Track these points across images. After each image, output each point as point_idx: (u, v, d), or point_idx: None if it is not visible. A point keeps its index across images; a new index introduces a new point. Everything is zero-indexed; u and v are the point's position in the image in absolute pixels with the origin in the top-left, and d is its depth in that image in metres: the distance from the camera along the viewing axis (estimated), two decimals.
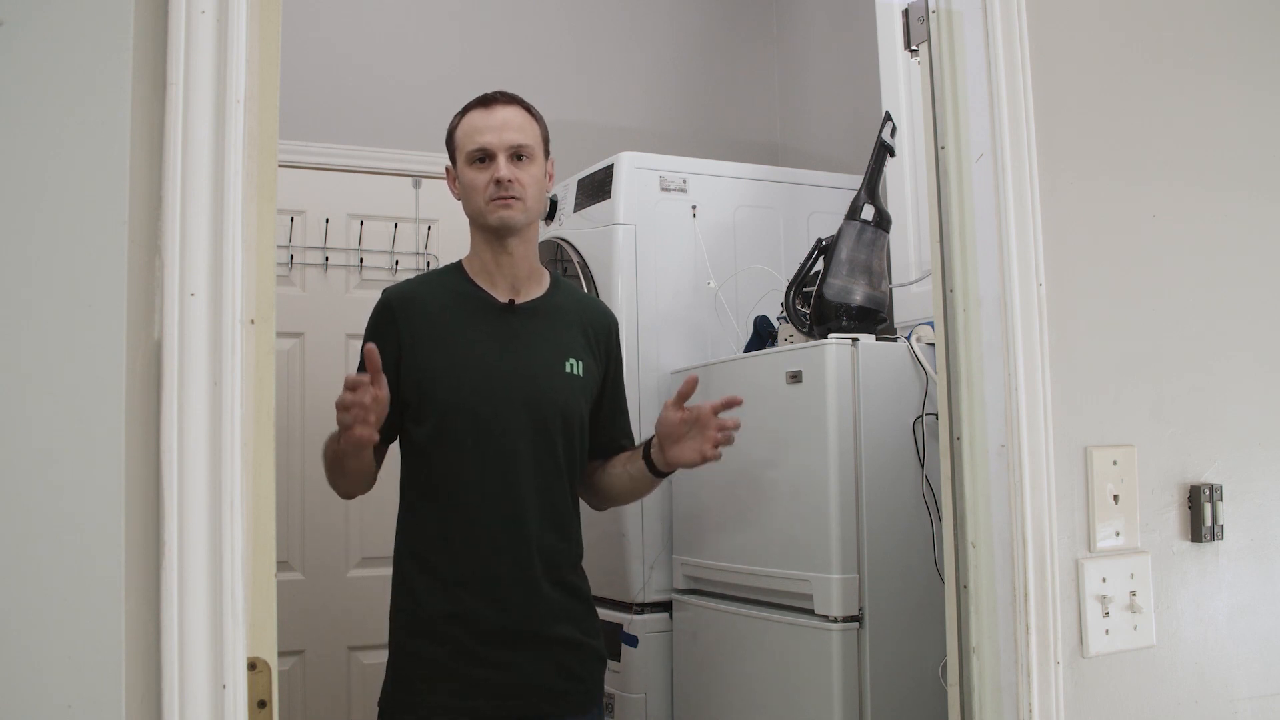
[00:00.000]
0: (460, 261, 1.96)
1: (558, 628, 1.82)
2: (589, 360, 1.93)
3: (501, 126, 1.84)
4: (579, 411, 1.90)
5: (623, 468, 1.96)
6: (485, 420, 1.80)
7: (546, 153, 1.91)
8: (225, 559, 0.93)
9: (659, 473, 1.91)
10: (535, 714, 1.80)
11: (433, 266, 3.12)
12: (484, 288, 1.89)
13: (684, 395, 1.86)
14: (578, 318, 1.96)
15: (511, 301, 1.88)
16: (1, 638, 0.85)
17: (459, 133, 1.88)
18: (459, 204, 1.91)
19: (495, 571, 1.78)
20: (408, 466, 1.88)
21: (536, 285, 1.93)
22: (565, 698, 1.83)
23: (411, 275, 3.06)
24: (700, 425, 1.84)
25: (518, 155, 1.84)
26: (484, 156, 1.83)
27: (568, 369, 1.89)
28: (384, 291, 1.93)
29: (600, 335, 1.98)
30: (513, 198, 1.82)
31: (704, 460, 1.83)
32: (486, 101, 1.88)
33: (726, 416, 1.84)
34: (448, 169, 1.95)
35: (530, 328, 1.88)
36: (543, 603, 1.80)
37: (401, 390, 1.81)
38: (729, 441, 1.84)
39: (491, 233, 1.85)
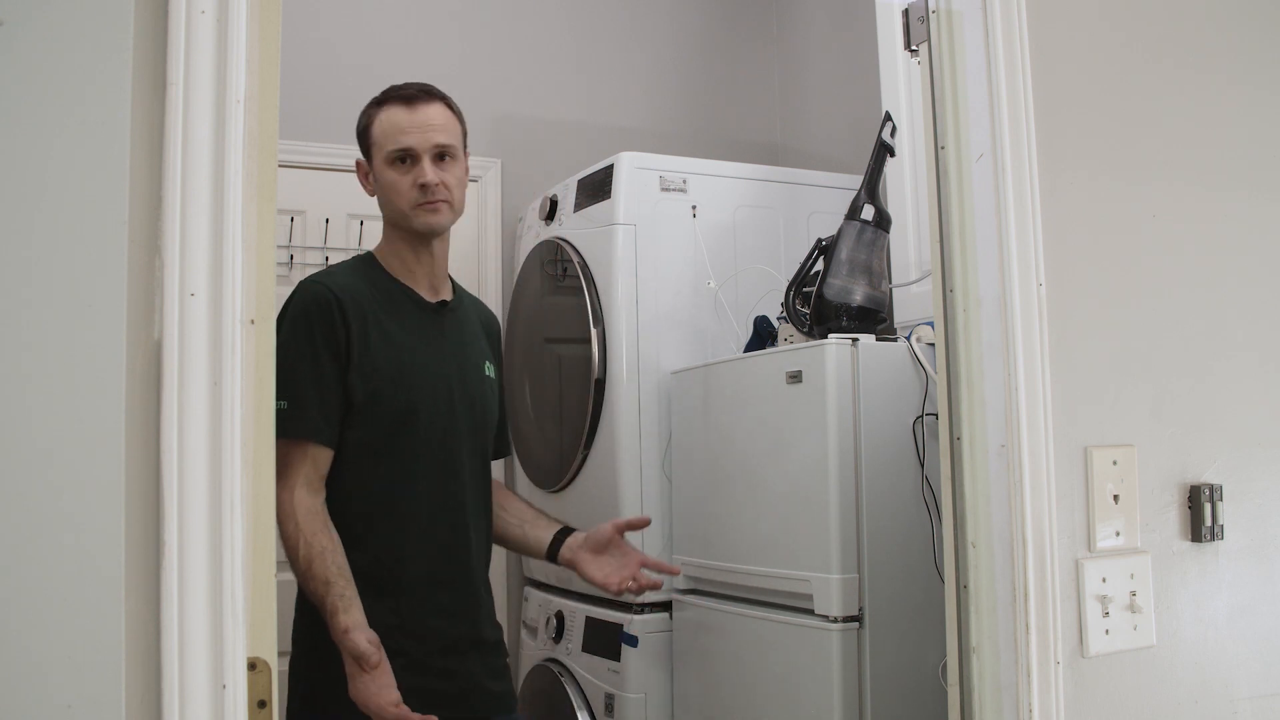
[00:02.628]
0: (372, 254, 1.85)
1: (489, 630, 1.81)
2: (494, 363, 1.93)
3: (425, 126, 1.75)
4: (495, 414, 1.90)
5: (519, 526, 1.94)
6: (433, 426, 1.75)
7: (465, 148, 1.83)
8: (225, 559, 0.92)
9: (553, 559, 1.91)
10: (477, 717, 1.78)
11: None
12: (409, 285, 1.81)
13: (631, 527, 1.88)
14: (478, 319, 1.93)
15: (443, 302, 1.83)
16: (1, 638, 0.85)
17: (376, 129, 1.78)
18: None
19: (442, 579, 1.74)
20: (346, 473, 1.71)
21: (447, 285, 1.88)
22: (499, 699, 1.81)
23: None
24: (624, 558, 1.86)
25: (440, 155, 1.76)
26: (406, 157, 1.75)
27: (486, 371, 1.88)
28: (316, 282, 1.76)
29: (494, 338, 1.97)
30: (440, 201, 1.75)
31: (607, 586, 1.84)
32: (408, 98, 1.77)
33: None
34: (359, 163, 1.84)
35: (455, 329, 1.85)
36: (479, 607, 1.79)
37: (349, 392, 1.70)
38: (636, 591, 1.87)
39: (415, 235, 1.79)
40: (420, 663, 1.69)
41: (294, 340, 1.69)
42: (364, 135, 1.82)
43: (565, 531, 1.91)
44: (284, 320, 1.71)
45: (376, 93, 1.84)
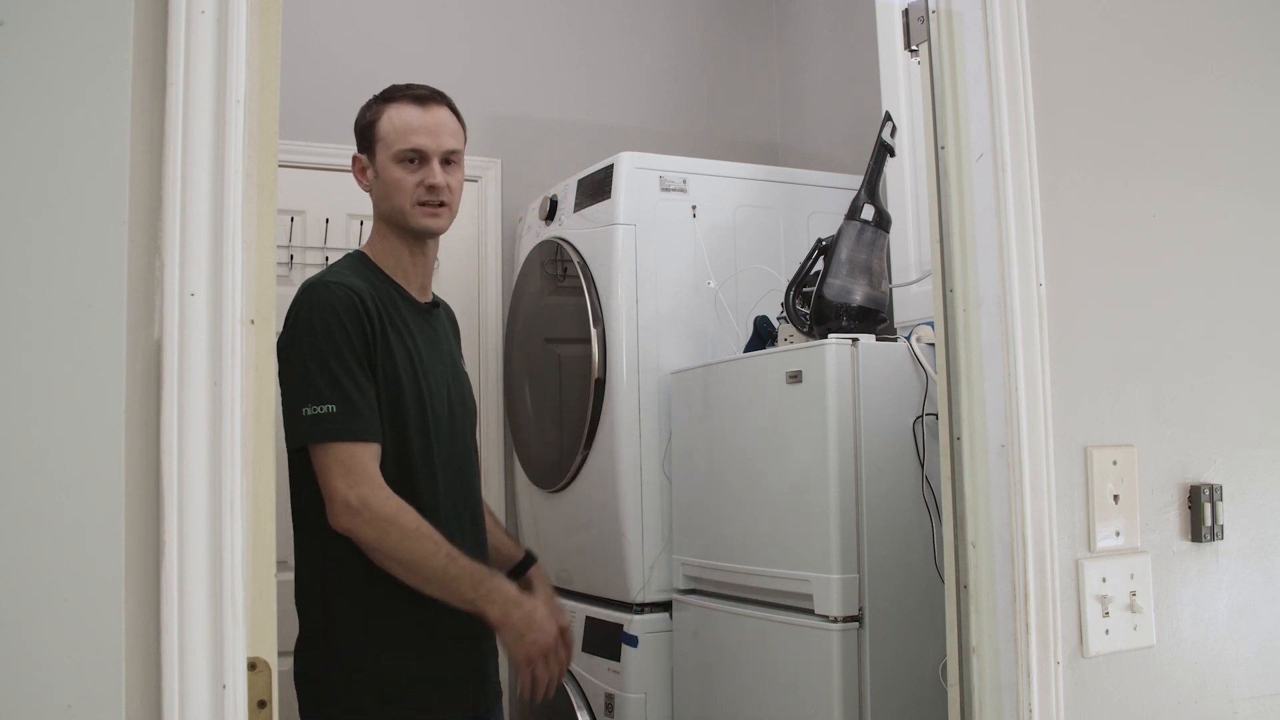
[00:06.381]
0: (363, 253, 1.83)
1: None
2: (461, 356, 1.95)
3: (437, 129, 1.76)
4: (475, 409, 1.93)
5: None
6: (445, 426, 1.76)
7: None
8: (225, 559, 0.92)
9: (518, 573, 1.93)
10: (485, 709, 1.81)
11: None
12: (404, 286, 1.81)
13: None
14: (445, 315, 1.94)
15: (433, 303, 1.86)
16: (1, 638, 0.85)
17: (385, 125, 1.77)
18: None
19: None
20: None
21: (431, 286, 1.89)
22: (497, 687, 1.86)
23: None
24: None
25: (447, 160, 1.77)
26: (415, 157, 1.75)
27: (463, 367, 1.91)
28: (333, 283, 1.71)
29: (456, 330, 1.99)
30: (442, 204, 1.77)
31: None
32: (420, 99, 1.78)
33: None
34: (356, 158, 1.83)
35: (441, 329, 1.87)
36: None
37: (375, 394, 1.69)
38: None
39: (411, 234, 1.79)
40: (448, 658, 1.73)
41: (327, 343, 1.65)
42: (368, 130, 1.81)
43: (525, 559, 1.97)
44: (304, 322, 1.69)
45: (377, 92, 1.83)
